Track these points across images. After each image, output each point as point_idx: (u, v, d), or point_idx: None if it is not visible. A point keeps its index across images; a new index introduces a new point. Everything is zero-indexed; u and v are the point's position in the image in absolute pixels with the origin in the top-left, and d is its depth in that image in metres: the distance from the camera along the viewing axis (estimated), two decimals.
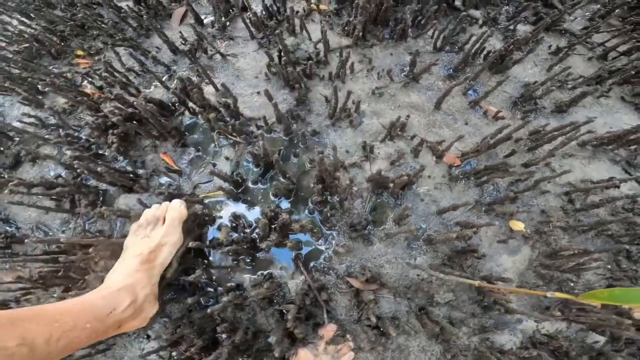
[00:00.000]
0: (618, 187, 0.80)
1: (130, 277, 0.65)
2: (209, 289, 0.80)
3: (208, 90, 0.96)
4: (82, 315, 0.55)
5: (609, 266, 0.81)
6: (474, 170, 0.81)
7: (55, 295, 0.79)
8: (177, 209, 0.75)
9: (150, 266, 0.69)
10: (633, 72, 0.95)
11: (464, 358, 0.75)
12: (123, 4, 1.19)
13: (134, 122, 0.90)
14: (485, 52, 0.99)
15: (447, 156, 0.83)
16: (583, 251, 0.71)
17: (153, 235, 0.72)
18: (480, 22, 1.09)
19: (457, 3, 1.12)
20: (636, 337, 0.73)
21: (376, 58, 0.97)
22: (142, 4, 1.18)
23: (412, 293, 0.77)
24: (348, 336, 0.75)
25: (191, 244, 0.73)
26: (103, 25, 1.08)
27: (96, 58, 1.12)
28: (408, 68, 0.93)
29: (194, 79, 0.99)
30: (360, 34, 0.96)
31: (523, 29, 1.10)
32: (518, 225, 0.79)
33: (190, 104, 0.92)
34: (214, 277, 0.81)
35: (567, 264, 0.75)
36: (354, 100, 0.87)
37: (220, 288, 0.79)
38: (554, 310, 0.78)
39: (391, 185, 0.77)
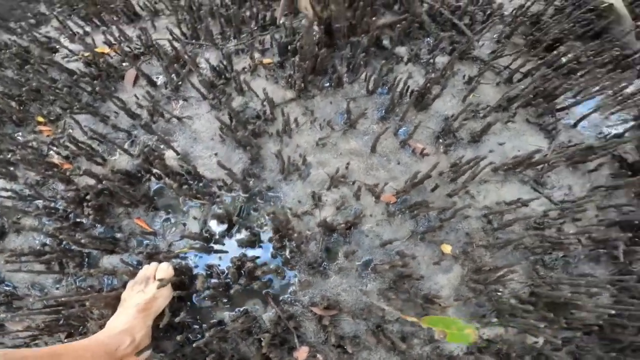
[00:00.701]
0: (527, 205, 0.98)
1: (129, 323, 0.82)
2: (195, 326, 0.94)
3: (169, 155, 1.06)
4: (97, 350, 0.73)
5: (529, 275, 0.98)
6: (408, 206, 0.96)
7: (60, 340, 0.93)
8: (165, 270, 0.91)
9: (146, 314, 0.86)
10: (532, 96, 1.13)
11: None
12: (73, 66, 1.24)
13: (106, 194, 0.99)
14: (410, 90, 1.13)
15: (384, 196, 0.98)
16: (502, 266, 0.89)
17: (147, 290, 0.88)
18: (405, 59, 1.23)
19: (385, 42, 1.25)
20: (571, 336, 0.91)
21: (318, 109, 1.10)
22: (93, 66, 1.24)
23: (366, 314, 0.93)
24: (319, 356, 0.90)
25: (174, 293, 0.87)
26: (57, 91, 1.14)
27: (57, 125, 1.19)
28: (346, 115, 1.07)
29: (155, 144, 1.09)
30: (302, 85, 1.08)
31: (442, 60, 1.25)
32: (447, 249, 0.96)
33: (155, 170, 1.03)
34: (198, 317, 0.94)
35: (492, 277, 0.92)
36: (300, 154, 1.00)
37: (204, 325, 0.93)
38: (490, 317, 0.95)
39: (338, 228, 0.92)
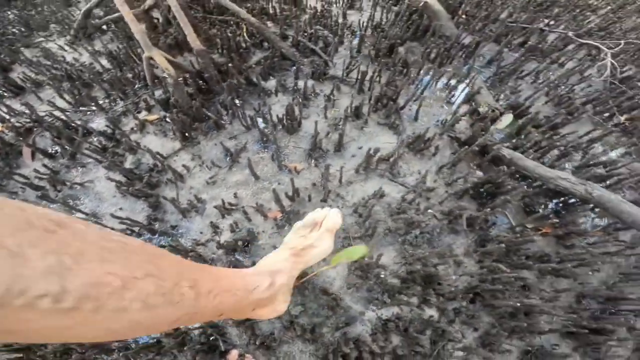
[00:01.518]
0: (383, 195, 1.25)
1: (277, 264, 0.71)
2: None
3: (79, 216, 1.19)
4: (236, 282, 0.60)
5: (402, 254, 1.21)
6: (292, 216, 1.19)
7: None
8: (334, 219, 0.84)
9: (297, 260, 0.75)
10: (376, 102, 1.41)
11: (332, 350, 0.97)
12: None
13: None
14: (281, 118, 1.35)
15: (270, 213, 1.20)
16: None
17: (309, 236, 0.82)
18: (274, 90, 1.45)
19: (257, 79, 1.46)
20: (458, 306, 1.03)
21: (204, 152, 1.29)
22: None
23: None
24: (248, 355, 1.11)
25: None
26: None
27: None
28: (228, 153, 1.26)
29: (61, 210, 1.21)
30: (186, 134, 1.26)
31: (310, 83, 1.49)
32: None
33: None
34: None
35: (372, 263, 1.15)
36: (195, 195, 1.19)
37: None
38: (383, 298, 1.04)
39: (237, 247, 1.12)
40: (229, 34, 1.58)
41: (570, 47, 1.92)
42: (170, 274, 0.41)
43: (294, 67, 1.53)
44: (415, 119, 1.46)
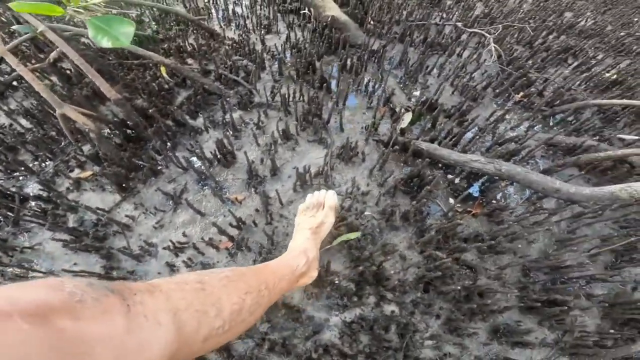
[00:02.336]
0: None
1: (305, 243, 0.97)
2: None
3: (36, 276, 1.19)
4: (285, 270, 0.83)
5: (351, 258, 1.39)
6: (242, 243, 1.29)
7: None
8: (332, 198, 1.13)
9: (316, 237, 1.03)
10: (302, 120, 1.53)
11: (306, 358, 1.03)
12: None
13: None
14: (216, 153, 1.43)
15: (221, 244, 1.28)
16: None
17: (318, 215, 1.08)
18: (203, 127, 1.52)
19: (182, 119, 1.51)
20: (415, 297, 1.15)
21: (146, 199, 1.33)
22: None
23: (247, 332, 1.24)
24: None
25: None
26: None
27: None
28: (170, 196, 1.32)
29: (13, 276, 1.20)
30: (124, 185, 1.30)
31: (235, 115, 1.58)
32: None
33: None
34: None
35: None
36: (145, 240, 1.24)
37: None
38: (343, 302, 1.11)
39: None
40: (149, 77, 1.61)
41: (463, 37, 2.17)
42: (255, 285, 0.60)
43: (220, 101, 1.60)
44: (341, 129, 1.60)
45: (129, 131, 1.43)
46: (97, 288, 0.31)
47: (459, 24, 2.12)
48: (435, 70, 1.97)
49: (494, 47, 1.93)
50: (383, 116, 1.61)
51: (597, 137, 1.69)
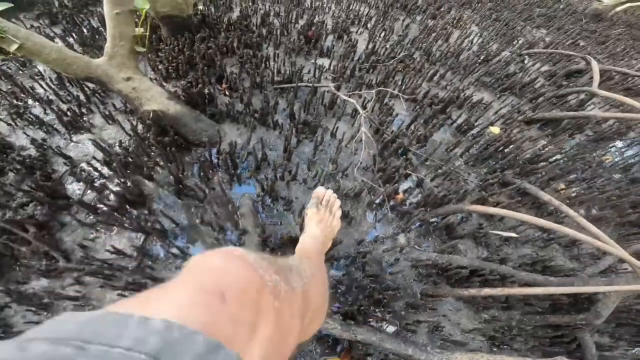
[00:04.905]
0: None
1: (318, 237, 1.03)
2: None
3: None
4: (316, 257, 0.95)
5: None
6: None
7: None
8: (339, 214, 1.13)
9: (324, 248, 1.05)
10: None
11: None
12: None
13: None
14: None
15: None
16: None
17: (334, 225, 1.10)
18: None
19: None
20: None
21: None
22: None
23: None
24: None
25: None
26: None
27: None
28: None
29: None
30: None
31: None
32: None
33: None
34: None
35: None
36: None
37: None
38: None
39: None
40: None
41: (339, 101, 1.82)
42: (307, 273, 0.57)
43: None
44: None
45: None
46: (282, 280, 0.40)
47: (332, 86, 1.74)
48: (304, 168, 1.60)
49: (368, 118, 1.61)
50: None
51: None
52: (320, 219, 1.07)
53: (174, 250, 1.26)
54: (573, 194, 1.78)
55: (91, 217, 1.32)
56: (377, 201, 1.54)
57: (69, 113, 1.55)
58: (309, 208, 1.12)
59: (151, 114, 1.41)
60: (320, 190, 1.15)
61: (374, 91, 1.59)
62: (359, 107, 1.51)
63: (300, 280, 0.47)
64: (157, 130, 1.50)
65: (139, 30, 1.29)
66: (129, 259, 1.23)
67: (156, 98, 1.41)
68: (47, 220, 1.27)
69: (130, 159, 1.41)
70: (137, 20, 1.31)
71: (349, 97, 1.79)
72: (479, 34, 2.75)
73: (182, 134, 1.51)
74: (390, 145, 1.60)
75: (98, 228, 1.30)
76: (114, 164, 1.35)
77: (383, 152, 1.65)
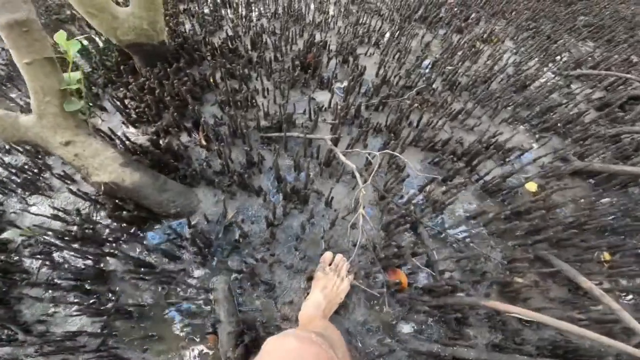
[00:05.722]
0: None
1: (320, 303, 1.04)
2: None
3: None
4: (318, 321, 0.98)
5: None
6: None
7: None
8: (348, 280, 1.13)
9: (327, 314, 1.04)
10: None
11: None
12: None
13: None
14: None
15: None
16: None
17: (341, 290, 1.09)
18: None
19: None
20: None
21: None
22: None
23: None
24: None
25: None
26: None
27: None
28: None
29: None
30: None
31: None
32: None
33: None
34: None
35: None
36: None
37: None
38: None
39: None
40: None
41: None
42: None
43: None
44: None
45: None
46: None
47: (328, 139, 1.43)
48: (291, 247, 1.31)
49: (372, 184, 1.30)
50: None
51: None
52: (325, 285, 1.07)
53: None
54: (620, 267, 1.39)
55: (50, 292, 1.14)
56: (377, 290, 1.24)
57: (25, 174, 1.34)
58: (316, 271, 1.13)
59: (102, 187, 1.16)
60: (328, 254, 1.17)
61: (377, 153, 1.26)
62: (358, 178, 1.19)
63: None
64: (113, 204, 1.25)
65: (72, 79, 1.01)
66: (91, 337, 1.08)
67: (107, 166, 1.14)
68: (3, 295, 1.13)
69: (89, 230, 1.20)
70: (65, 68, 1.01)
71: (350, 152, 1.47)
72: (514, 51, 2.31)
73: (145, 206, 1.26)
74: (398, 222, 1.28)
75: (57, 303, 1.14)
76: (70, 237, 1.15)
77: (388, 227, 1.33)
